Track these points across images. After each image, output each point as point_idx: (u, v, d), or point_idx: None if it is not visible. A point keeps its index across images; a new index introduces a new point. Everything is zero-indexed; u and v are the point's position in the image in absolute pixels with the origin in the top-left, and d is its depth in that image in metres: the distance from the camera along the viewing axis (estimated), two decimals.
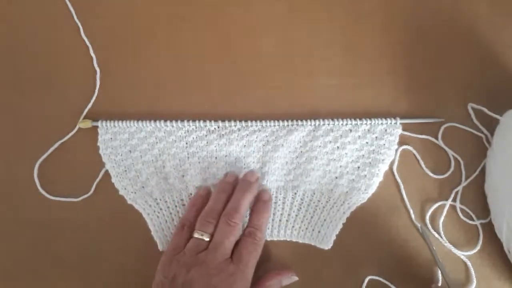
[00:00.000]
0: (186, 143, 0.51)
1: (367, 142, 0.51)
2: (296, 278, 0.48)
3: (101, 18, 0.55)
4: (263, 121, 0.51)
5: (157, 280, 0.43)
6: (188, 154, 0.50)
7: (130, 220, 0.50)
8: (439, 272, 0.48)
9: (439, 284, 0.48)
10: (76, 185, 0.51)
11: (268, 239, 0.50)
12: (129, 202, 0.50)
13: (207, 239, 0.44)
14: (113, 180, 0.50)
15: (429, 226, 0.50)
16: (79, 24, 0.55)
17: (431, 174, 0.52)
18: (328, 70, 0.55)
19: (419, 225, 0.50)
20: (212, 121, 0.51)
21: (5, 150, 0.52)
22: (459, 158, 0.52)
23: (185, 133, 0.51)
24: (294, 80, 0.54)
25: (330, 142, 0.51)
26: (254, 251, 0.44)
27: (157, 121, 0.50)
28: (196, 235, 0.44)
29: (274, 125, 0.51)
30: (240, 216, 0.45)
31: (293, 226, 0.50)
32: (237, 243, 0.45)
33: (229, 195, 0.47)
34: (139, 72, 0.54)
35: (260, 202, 0.48)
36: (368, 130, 0.51)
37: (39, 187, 0.51)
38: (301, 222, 0.50)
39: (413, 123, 0.52)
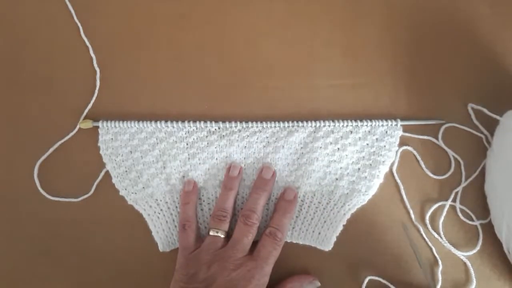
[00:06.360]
0: (187, 144, 0.51)
1: (367, 144, 0.51)
2: (318, 284, 0.48)
3: (101, 18, 0.55)
4: (264, 122, 0.51)
5: (176, 278, 0.45)
6: (188, 155, 0.50)
7: (130, 220, 0.50)
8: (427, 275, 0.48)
9: None
10: (76, 185, 0.51)
11: None
12: (129, 202, 0.50)
13: (223, 236, 0.46)
14: (114, 180, 0.50)
15: (429, 226, 0.50)
16: (79, 24, 0.55)
17: (431, 175, 0.52)
18: (328, 71, 0.54)
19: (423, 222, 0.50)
20: (213, 122, 0.51)
21: (5, 150, 0.52)
22: (459, 159, 0.52)
23: (185, 134, 0.51)
24: (294, 81, 0.54)
25: (331, 143, 0.51)
26: (274, 250, 0.45)
27: (158, 122, 0.50)
28: (211, 233, 0.46)
29: (275, 126, 0.51)
30: (257, 216, 0.46)
31: (293, 228, 0.50)
32: (257, 240, 0.46)
33: (236, 189, 0.49)
34: (139, 72, 0.54)
35: (283, 201, 0.49)
36: (369, 131, 0.51)
37: (39, 187, 0.51)
38: (301, 224, 0.50)
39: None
